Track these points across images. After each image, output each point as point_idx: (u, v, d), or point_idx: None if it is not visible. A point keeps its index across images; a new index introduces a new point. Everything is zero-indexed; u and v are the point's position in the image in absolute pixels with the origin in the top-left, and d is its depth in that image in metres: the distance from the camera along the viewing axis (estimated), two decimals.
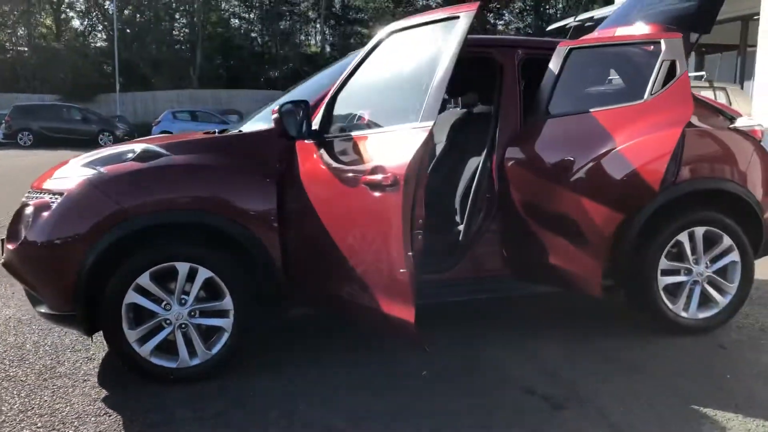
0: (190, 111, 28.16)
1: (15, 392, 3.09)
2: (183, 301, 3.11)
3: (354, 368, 3.28)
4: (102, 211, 3.01)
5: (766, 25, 10.17)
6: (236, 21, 48.32)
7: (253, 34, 48.24)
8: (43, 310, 3.20)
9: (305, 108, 2.95)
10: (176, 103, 34.36)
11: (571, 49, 3.36)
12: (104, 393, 3.07)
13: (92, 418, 2.82)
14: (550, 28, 18.24)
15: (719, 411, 2.79)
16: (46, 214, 3.05)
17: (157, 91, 37.18)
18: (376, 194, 2.55)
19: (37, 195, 3.23)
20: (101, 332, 3.19)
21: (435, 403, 2.89)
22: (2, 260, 3.33)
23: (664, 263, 3.55)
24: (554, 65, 3.40)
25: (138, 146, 3.23)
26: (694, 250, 3.60)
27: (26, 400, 3.01)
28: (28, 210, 3.17)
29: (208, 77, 41.48)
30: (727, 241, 3.62)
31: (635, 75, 3.22)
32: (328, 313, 3.37)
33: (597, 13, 14.93)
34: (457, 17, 2.64)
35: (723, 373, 3.20)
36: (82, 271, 3.00)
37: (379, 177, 2.52)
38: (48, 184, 3.24)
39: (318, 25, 50.43)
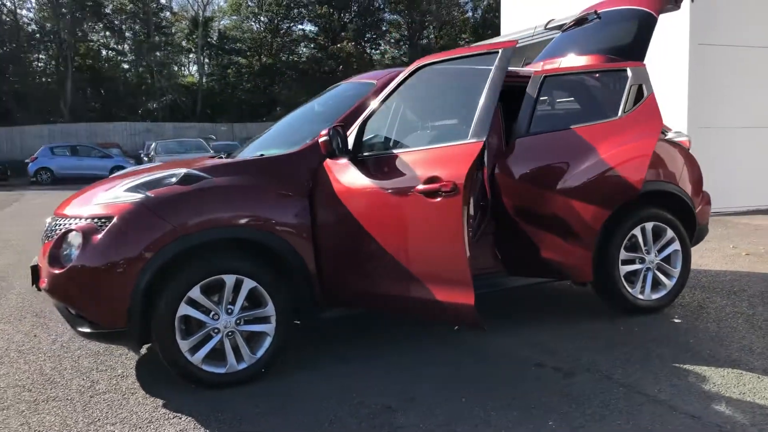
0: (69, 146, 27.24)
1: (69, 409, 3.24)
2: (229, 311, 3.40)
3: (385, 358, 3.69)
4: (156, 231, 3.26)
5: None
6: (106, 52, 46.90)
7: (125, 65, 46.98)
8: (86, 330, 3.37)
9: (343, 132, 3.36)
10: (48, 138, 32.79)
11: (545, 77, 3.98)
12: (161, 401, 3.29)
13: (166, 421, 3.05)
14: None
15: (695, 365, 3.44)
16: (98, 237, 3.25)
17: (25, 126, 35.26)
18: (434, 200, 3.00)
19: (77, 221, 3.41)
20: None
21: (467, 382, 3.35)
22: (43, 286, 3.46)
23: (623, 254, 4.22)
24: (531, 90, 4.00)
25: (178, 171, 3.50)
26: (645, 242, 4.29)
27: (86, 413, 3.17)
28: (74, 235, 3.34)
29: (81, 110, 39.92)
30: (670, 233, 4.35)
31: (605, 97, 3.89)
32: (365, 309, 3.73)
33: (493, 41, 16.13)
34: (496, 52, 3.16)
35: (686, 339, 3.88)
36: (138, 288, 3.22)
37: (436, 185, 2.98)
38: (89, 210, 3.43)
39: (193, 56, 49.86)
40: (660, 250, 4.37)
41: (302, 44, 50.35)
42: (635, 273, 4.31)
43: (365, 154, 3.37)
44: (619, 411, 2.94)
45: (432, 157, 3.10)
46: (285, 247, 3.47)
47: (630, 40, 4.52)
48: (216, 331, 3.38)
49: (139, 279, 3.22)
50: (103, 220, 3.32)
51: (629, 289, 4.25)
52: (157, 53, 45.11)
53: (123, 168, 27.48)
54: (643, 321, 4.22)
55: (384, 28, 49.83)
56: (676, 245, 4.38)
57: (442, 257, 3.03)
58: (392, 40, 50.73)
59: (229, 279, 3.37)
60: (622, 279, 4.21)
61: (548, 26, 12.93)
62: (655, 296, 4.35)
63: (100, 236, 3.25)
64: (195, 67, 50.58)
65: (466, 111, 3.07)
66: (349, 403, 3.15)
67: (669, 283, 4.38)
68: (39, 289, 3.64)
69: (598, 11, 5.07)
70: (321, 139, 3.33)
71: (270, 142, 4.33)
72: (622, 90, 3.70)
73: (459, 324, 3.35)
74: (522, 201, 3.86)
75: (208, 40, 47.85)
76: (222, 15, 50.06)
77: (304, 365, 3.67)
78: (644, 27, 4.51)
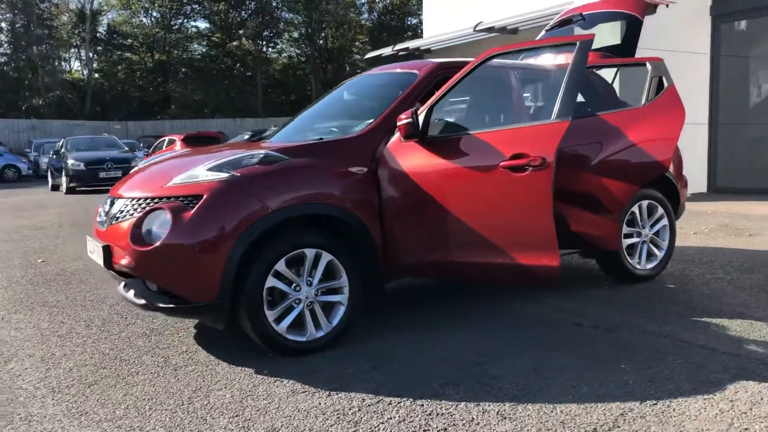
0: None
1: (163, 380, 3.36)
2: (309, 282, 3.63)
3: (439, 329, 4.03)
4: (248, 208, 3.44)
5: None
6: None
7: (2, 59, 44.16)
8: (167, 305, 3.50)
9: (415, 116, 3.67)
10: None
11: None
12: (250, 369, 3.46)
13: (271, 384, 3.24)
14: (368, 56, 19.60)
15: (709, 317, 4.01)
16: (190, 214, 3.39)
17: None
18: (521, 174, 3.37)
19: (155, 200, 3.53)
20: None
21: (529, 340, 3.75)
22: (123, 264, 3.55)
23: (624, 229, 4.77)
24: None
25: (255, 152, 3.68)
26: (641, 218, 4.87)
27: (184, 382, 3.31)
28: (160, 214, 3.47)
29: None
30: (660, 210, 4.95)
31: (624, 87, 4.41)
32: (430, 279, 4.02)
33: (411, 44, 16.67)
34: (574, 44, 3.57)
35: (689, 299, 4.48)
36: (231, 263, 3.40)
37: (524, 161, 3.35)
38: (168, 190, 3.55)
39: (79, 50, 47.59)
40: (652, 225, 4.96)
41: (196, 41, 49.22)
42: (633, 246, 4.88)
43: (434, 134, 3.69)
44: (672, 354, 3.44)
45: (516, 136, 3.47)
46: (356, 221, 3.74)
47: (620, 40, 5.10)
48: (297, 301, 3.60)
49: (232, 253, 3.40)
50: (189, 199, 3.46)
51: (630, 260, 4.80)
52: (39, 47, 42.75)
53: (16, 167, 26.06)
54: (643, 288, 4.79)
55: (281, 27, 49.59)
56: (665, 221, 4.98)
57: (529, 225, 3.42)
58: (290, 39, 50.61)
59: (310, 252, 3.60)
60: (624, 251, 4.76)
61: (477, 28, 13.64)
62: (649, 266, 4.94)
63: (191, 213, 3.39)
64: (79, 63, 48.35)
65: (551, 94, 3.47)
66: (434, 361, 3.48)
67: (659, 254, 4.99)
68: (110, 269, 3.71)
69: (583, 13, 5.62)
70: (402, 122, 3.62)
71: (308, 127, 4.58)
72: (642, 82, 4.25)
73: (542, 284, 3.75)
74: (556, 180, 4.30)
75: (97, 34, 45.85)
76: (110, 8, 48.06)
77: (371, 334, 3.94)
78: (632, 28, 5.10)
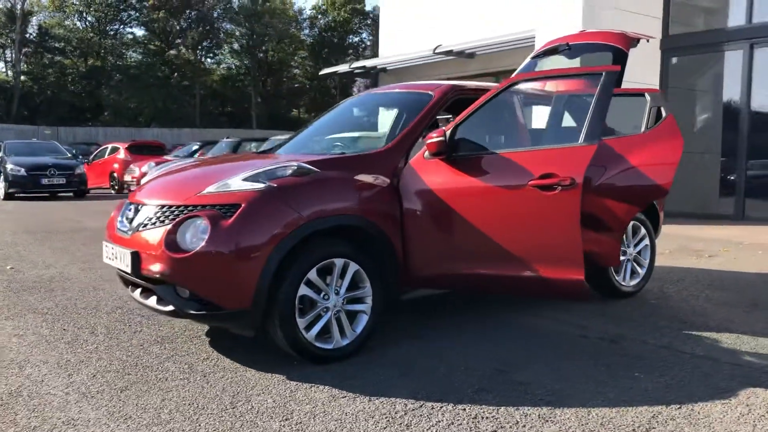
0: None
1: (196, 386, 3.39)
2: (336, 291, 3.74)
3: (454, 340, 4.20)
4: (284, 218, 3.54)
5: None
6: None
7: None
8: (198, 312, 3.55)
9: (446, 135, 3.84)
10: None
11: (568, 96, 4.74)
12: (281, 376, 3.53)
13: (309, 389, 3.32)
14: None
15: (699, 331, 4.32)
16: (228, 222, 3.46)
17: None
18: (550, 193, 3.58)
19: (189, 208, 3.57)
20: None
21: (545, 350, 3.96)
22: (153, 270, 3.57)
23: None
24: (556, 107, 4.73)
25: (288, 163, 3.78)
26: (626, 238, 5.18)
27: (218, 387, 3.35)
28: (197, 221, 3.51)
29: None
30: (643, 230, 5.29)
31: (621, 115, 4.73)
32: (449, 289, 4.18)
33: (368, 62, 16.93)
34: (600, 74, 3.82)
35: (674, 314, 4.80)
36: (267, 271, 3.48)
37: (554, 180, 3.57)
38: (204, 199, 3.60)
39: (4, 50, 45.84)
40: (636, 245, 5.28)
41: (132, 48, 48.21)
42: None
43: (460, 153, 3.88)
44: (677, 364, 3.70)
45: (545, 157, 3.69)
46: (380, 233, 3.88)
47: None
48: (326, 310, 3.70)
49: (269, 262, 3.48)
50: (227, 207, 3.52)
51: (616, 277, 5.10)
52: None
53: None
54: (630, 303, 5.10)
55: (222, 38, 49.18)
56: (647, 240, 5.32)
57: (556, 241, 3.64)
58: (230, 51, 50.23)
59: (339, 262, 3.71)
60: (611, 269, 5.05)
61: (436, 50, 14.00)
62: (632, 282, 5.25)
63: (230, 222, 3.46)
64: (3, 64, 46.55)
65: (580, 118, 3.72)
66: (458, 369, 3.63)
67: (641, 272, 5.32)
68: (138, 276, 3.71)
69: (570, 43, 5.94)
70: (433, 140, 3.79)
71: (319, 140, 4.72)
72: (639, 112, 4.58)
73: (568, 297, 3.96)
74: None
75: (26, 35, 44.34)
76: (42, 10, 46.58)
77: (386, 342, 4.07)
78: (618, 60, 5.44)
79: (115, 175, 20.29)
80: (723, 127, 11.78)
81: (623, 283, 5.18)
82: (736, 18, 11.30)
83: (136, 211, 3.90)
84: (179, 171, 4.34)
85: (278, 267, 3.52)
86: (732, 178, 11.40)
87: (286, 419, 3.00)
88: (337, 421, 2.98)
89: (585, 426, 2.91)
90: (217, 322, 3.74)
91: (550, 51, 6.21)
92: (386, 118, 4.78)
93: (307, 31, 53.96)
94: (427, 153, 3.92)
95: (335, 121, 5.15)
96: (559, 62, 6.05)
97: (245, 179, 3.65)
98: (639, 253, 5.33)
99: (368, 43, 56.08)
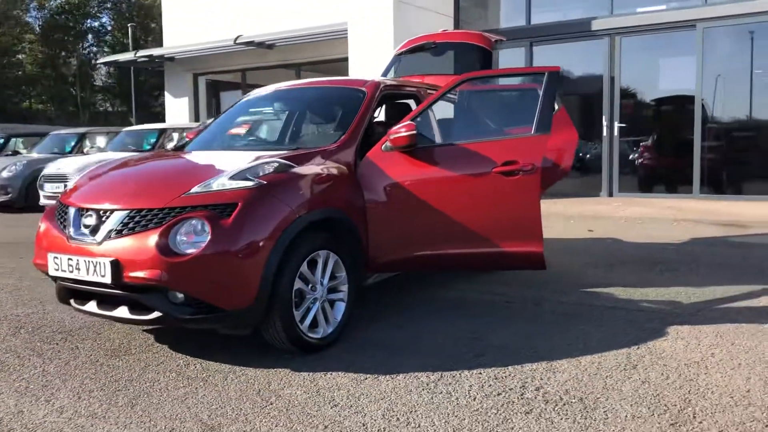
0: None
1: (219, 376, 3.36)
2: (321, 283, 3.88)
3: (420, 317, 4.53)
4: (281, 214, 3.60)
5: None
6: None
7: None
8: (190, 316, 3.49)
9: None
10: None
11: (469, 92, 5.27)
12: (286, 370, 3.58)
13: (321, 377, 3.46)
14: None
15: (599, 289, 5.15)
16: (228, 222, 3.43)
17: None
18: (512, 178, 4.04)
19: (175, 210, 3.47)
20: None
21: (491, 321, 4.47)
22: (145, 277, 3.40)
23: None
24: (462, 101, 5.23)
25: (268, 161, 3.81)
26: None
27: (243, 377, 3.36)
28: (191, 223, 3.43)
29: None
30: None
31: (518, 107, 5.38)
32: (412, 271, 4.45)
33: (155, 51, 16.08)
34: (543, 73, 4.31)
35: (574, 280, 5.62)
36: (269, 268, 3.53)
37: (516, 166, 4.03)
38: (191, 200, 3.51)
39: None
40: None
41: None
42: None
43: (426, 145, 4.23)
44: (607, 316, 4.45)
45: (505, 146, 4.15)
46: (351, 224, 4.08)
47: (479, 66, 6.09)
48: (314, 301, 3.83)
49: (270, 259, 3.53)
50: (221, 207, 3.49)
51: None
52: None
53: None
54: (527, 272, 5.81)
55: None
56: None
57: (520, 220, 4.12)
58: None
59: (323, 254, 3.87)
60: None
61: (237, 41, 13.88)
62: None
63: (230, 221, 3.44)
64: None
65: (529, 111, 4.22)
66: (435, 342, 3.99)
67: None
68: (120, 284, 3.49)
69: (436, 42, 6.51)
70: (402, 134, 4.05)
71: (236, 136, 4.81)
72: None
73: (529, 267, 4.42)
74: None
75: None
76: None
77: (353, 327, 4.29)
78: (486, 57, 6.13)
79: None
80: None
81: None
82: (516, 19, 12.84)
83: (99, 217, 3.64)
84: (123, 173, 4.12)
85: (280, 264, 3.58)
86: None
87: (335, 405, 3.09)
88: (383, 399, 3.14)
89: (588, 369, 3.46)
90: (211, 324, 3.65)
91: (417, 48, 6.75)
92: (320, 113, 4.96)
93: (34, 14, 48.89)
94: (386, 145, 4.19)
95: (239, 117, 5.19)
96: (425, 59, 6.60)
97: (232, 178, 3.63)
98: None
99: (109, 28, 52.49)
